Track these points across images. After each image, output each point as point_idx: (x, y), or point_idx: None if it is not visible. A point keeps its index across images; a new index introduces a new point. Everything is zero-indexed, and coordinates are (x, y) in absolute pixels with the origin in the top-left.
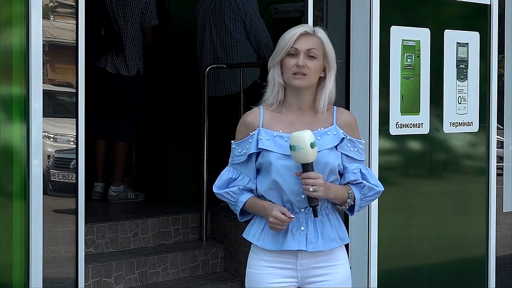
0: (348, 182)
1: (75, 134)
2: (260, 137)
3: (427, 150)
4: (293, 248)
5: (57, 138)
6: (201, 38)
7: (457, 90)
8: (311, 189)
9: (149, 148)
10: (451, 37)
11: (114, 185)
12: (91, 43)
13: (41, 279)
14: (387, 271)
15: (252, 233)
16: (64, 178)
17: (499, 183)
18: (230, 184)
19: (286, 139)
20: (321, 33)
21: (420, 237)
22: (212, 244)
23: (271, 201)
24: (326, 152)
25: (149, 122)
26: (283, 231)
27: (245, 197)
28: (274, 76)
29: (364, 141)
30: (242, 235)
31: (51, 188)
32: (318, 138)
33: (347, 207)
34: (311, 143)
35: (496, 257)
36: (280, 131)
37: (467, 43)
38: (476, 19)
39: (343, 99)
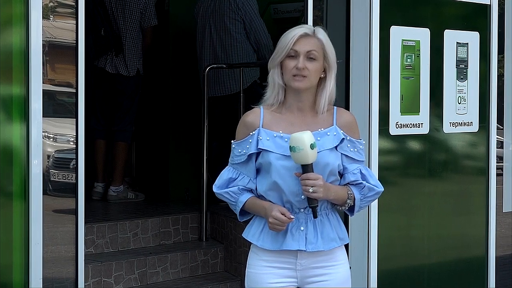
0: (348, 183)
1: (75, 134)
2: (260, 138)
3: (427, 150)
4: (293, 248)
5: (57, 138)
6: (201, 38)
7: (457, 90)
8: (310, 190)
9: (149, 148)
10: (451, 37)
11: (114, 185)
12: (91, 43)
13: (41, 279)
14: (387, 271)
15: (252, 233)
16: (64, 178)
17: (499, 183)
18: (230, 184)
19: (286, 139)
20: (321, 33)
21: (420, 237)
22: (212, 244)
23: (271, 201)
24: (326, 152)
25: (149, 122)
26: (283, 231)
27: (245, 197)
28: (274, 77)
29: (364, 142)
30: (242, 235)
31: (51, 188)
32: (318, 138)
33: (347, 208)
34: (311, 144)
35: (496, 257)
36: (280, 132)
37: (467, 43)
38: (476, 19)
39: (343, 99)
